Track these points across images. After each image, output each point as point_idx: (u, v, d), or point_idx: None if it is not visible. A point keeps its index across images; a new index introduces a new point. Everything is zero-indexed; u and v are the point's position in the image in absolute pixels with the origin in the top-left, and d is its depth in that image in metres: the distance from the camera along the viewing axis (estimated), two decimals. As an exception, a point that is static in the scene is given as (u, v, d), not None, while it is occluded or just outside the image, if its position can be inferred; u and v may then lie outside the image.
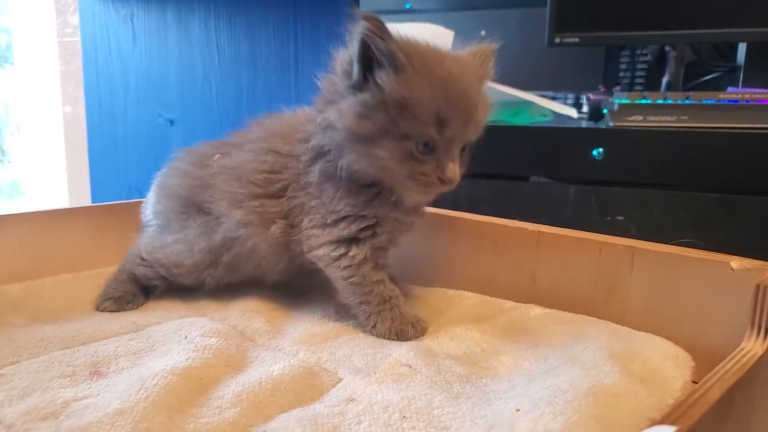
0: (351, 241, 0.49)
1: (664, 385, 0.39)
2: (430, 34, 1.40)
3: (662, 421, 0.30)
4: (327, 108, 0.48)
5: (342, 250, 0.49)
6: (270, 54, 1.13)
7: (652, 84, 1.36)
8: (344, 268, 0.50)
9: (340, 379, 0.41)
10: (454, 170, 0.46)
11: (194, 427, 0.34)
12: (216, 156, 0.55)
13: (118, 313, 0.53)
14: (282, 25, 1.11)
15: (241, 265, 0.54)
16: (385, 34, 0.43)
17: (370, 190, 0.49)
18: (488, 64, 0.49)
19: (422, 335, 0.49)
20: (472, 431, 0.33)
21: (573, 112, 1.16)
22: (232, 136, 0.58)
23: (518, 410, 0.34)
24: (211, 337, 0.45)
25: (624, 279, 0.49)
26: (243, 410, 0.36)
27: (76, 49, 1.48)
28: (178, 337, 0.46)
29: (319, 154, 0.50)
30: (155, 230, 0.58)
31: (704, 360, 0.43)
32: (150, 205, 0.59)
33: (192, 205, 0.54)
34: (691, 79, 1.34)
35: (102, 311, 0.53)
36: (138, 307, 0.55)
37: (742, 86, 1.16)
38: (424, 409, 0.36)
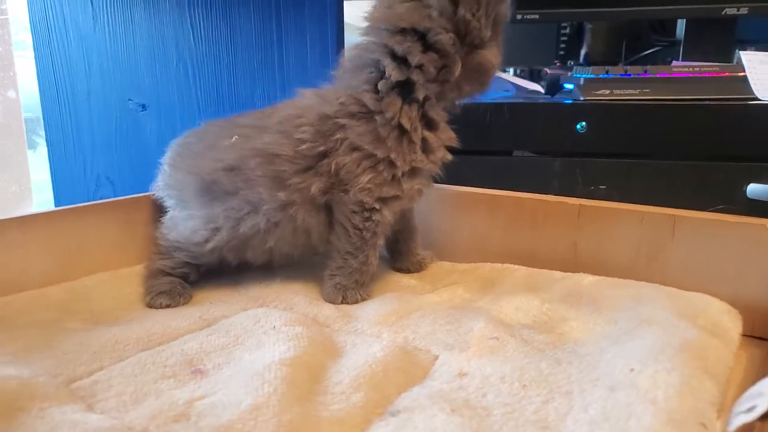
0: (385, 201, 0.53)
1: (728, 337, 0.44)
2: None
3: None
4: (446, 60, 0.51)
5: (378, 206, 0.53)
6: (251, 34, 1.10)
7: (572, 57, 1.46)
8: (368, 221, 0.53)
9: (437, 356, 0.43)
10: None
11: (330, 415, 0.35)
12: (234, 138, 0.55)
13: (174, 309, 0.52)
14: (264, 3, 1.07)
15: (278, 245, 0.54)
16: None
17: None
18: None
19: (356, 303, 0.54)
20: (596, 393, 0.36)
21: (539, 88, 1.21)
22: (244, 118, 0.57)
23: (632, 370, 0.37)
24: (295, 326, 0.45)
25: (666, 245, 0.53)
26: (366, 394, 0.37)
27: (6, 30, 1.36)
28: (261, 328, 0.46)
29: (405, 105, 0.51)
30: (169, 209, 0.58)
31: (745, 314, 0.48)
32: (161, 184, 0.59)
33: (216, 188, 0.54)
34: (634, 53, 1.43)
35: (158, 308, 0.52)
36: (189, 300, 0.54)
37: (683, 59, 1.26)
38: (539, 377, 0.38)
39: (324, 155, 0.52)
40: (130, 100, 1.20)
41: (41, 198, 1.35)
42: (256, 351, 0.42)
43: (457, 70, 0.51)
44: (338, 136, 0.52)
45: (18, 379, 0.35)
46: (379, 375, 0.39)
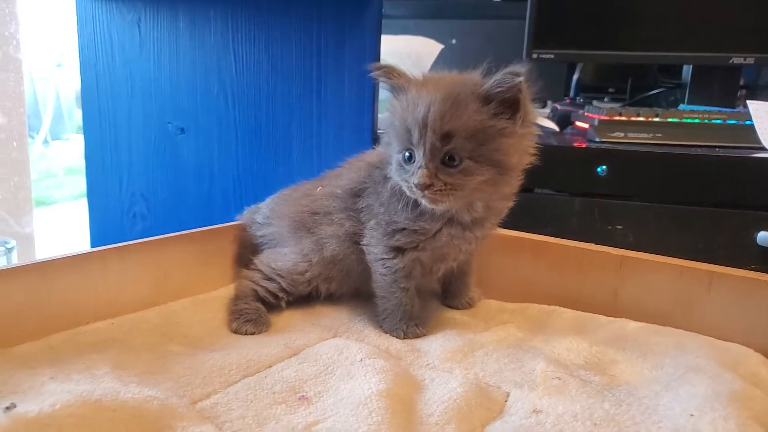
0: (398, 250, 0.58)
1: (766, 387, 0.49)
2: (421, 45, 1.48)
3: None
4: None
5: (390, 255, 0.58)
6: (291, 68, 1.15)
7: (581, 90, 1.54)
8: (384, 267, 0.59)
9: (508, 393, 0.48)
10: (420, 175, 0.50)
11: (431, 444, 0.40)
12: (318, 188, 0.65)
13: (257, 336, 0.57)
14: (306, 41, 1.13)
15: (347, 276, 0.63)
16: (391, 72, 0.53)
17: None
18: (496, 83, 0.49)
19: (418, 337, 0.58)
20: (662, 434, 0.41)
21: (553, 125, 1.27)
22: (335, 170, 0.67)
23: (692, 415, 0.42)
24: (377, 359, 0.50)
25: (702, 298, 0.59)
26: (457, 426, 0.42)
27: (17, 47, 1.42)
28: (346, 359, 0.50)
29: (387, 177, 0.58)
30: (270, 247, 0.66)
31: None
32: (262, 226, 0.68)
33: (302, 227, 0.63)
34: (640, 90, 1.49)
35: (243, 334, 0.57)
36: (269, 328, 0.59)
37: (688, 102, 1.32)
38: (606, 417, 0.43)
39: (359, 196, 0.61)
40: (169, 123, 1.25)
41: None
42: (349, 381, 0.47)
43: None
44: (370, 180, 0.60)
45: (158, 400, 0.40)
46: (464, 409, 0.44)
